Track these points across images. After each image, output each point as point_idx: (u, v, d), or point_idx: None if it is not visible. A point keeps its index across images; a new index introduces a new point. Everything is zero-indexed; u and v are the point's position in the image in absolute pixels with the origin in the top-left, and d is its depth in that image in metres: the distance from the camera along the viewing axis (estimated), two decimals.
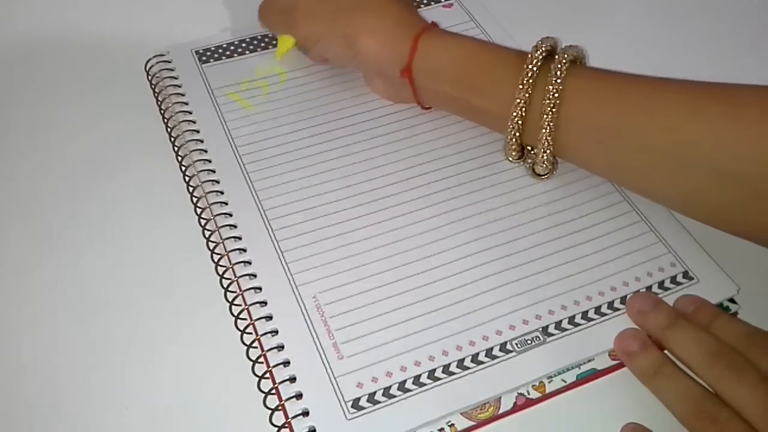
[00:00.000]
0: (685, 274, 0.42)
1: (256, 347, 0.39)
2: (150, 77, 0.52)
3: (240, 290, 0.41)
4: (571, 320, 0.40)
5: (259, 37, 0.54)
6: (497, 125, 0.45)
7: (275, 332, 0.39)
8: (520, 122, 0.42)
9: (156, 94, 0.51)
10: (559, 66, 0.41)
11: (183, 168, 0.47)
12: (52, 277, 0.43)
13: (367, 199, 0.45)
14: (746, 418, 0.34)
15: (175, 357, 0.40)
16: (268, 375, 0.38)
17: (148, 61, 0.53)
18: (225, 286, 0.41)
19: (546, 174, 0.45)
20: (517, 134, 0.43)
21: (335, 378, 0.38)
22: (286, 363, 0.38)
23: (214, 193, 0.45)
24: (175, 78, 0.51)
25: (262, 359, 0.39)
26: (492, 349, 0.39)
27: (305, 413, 0.37)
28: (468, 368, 0.38)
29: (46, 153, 0.49)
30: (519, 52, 0.44)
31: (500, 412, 0.38)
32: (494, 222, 0.44)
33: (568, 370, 0.39)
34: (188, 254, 0.43)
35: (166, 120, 0.50)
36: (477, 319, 0.40)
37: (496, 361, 0.39)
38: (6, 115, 0.51)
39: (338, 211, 0.44)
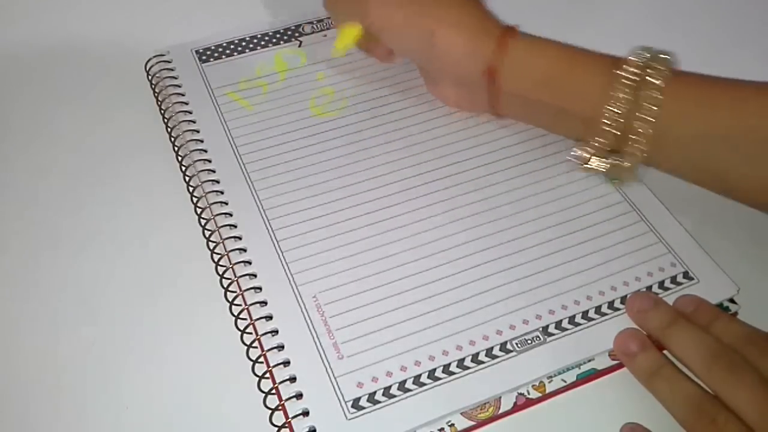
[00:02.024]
0: (685, 274, 0.42)
1: (256, 347, 0.39)
2: (150, 77, 0.52)
3: (240, 290, 0.41)
4: (572, 320, 0.40)
5: (258, 36, 0.54)
6: (585, 133, 0.43)
7: (275, 332, 0.39)
8: (614, 131, 0.41)
9: (156, 94, 0.51)
10: (659, 75, 0.40)
11: (183, 168, 0.47)
12: (52, 277, 0.43)
13: (367, 198, 0.45)
14: (744, 419, 0.34)
15: (175, 357, 0.40)
16: (268, 375, 0.38)
17: (148, 61, 0.53)
18: (225, 286, 0.41)
19: (627, 181, 0.44)
20: (606, 138, 0.41)
21: (335, 378, 0.38)
22: (286, 363, 0.38)
23: (214, 193, 0.45)
24: (175, 78, 0.51)
25: (262, 359, 0.39)
26: (492, 348, 0.39)
27: (305, 413, 0.37)
28: (468, 368, 0.38)
29: (46, 153, 0.49)
30: (613, 58, 0.42)
31: (500, 412, 0.38)
32: (494, 221, 0.44)
33: (568, 370, 0.39)
34: (188, 254, 0.43)
35: (166, 120, 0.50)
36: (477, 318, 0.40)
37: (496, 360, 0.39)
38: (6, 115, 0.51)
39: (338, 211, 0.44)
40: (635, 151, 0.41)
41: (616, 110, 0.40)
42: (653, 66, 0.40)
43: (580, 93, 0.42)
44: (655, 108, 0.40)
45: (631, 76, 0.40)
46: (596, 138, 0.42)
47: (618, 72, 0.41)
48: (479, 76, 0.44)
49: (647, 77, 0.40)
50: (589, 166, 0.44)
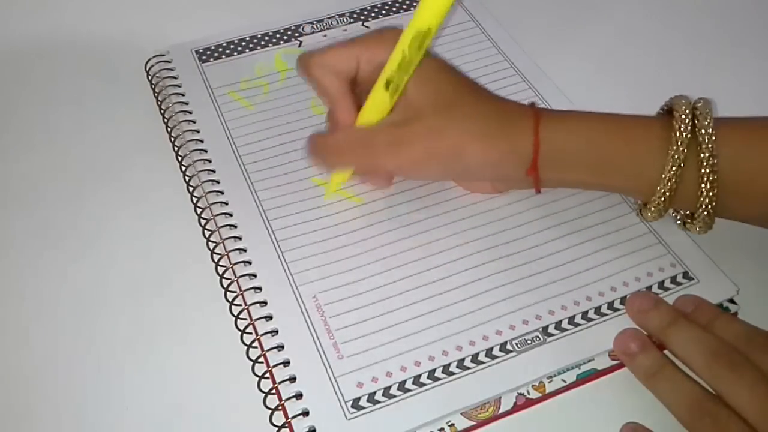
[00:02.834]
0: (685, 275, 0.42)
1: (256, 347, 0.39)
2: (150, 77, 0.52)
3: (240, 290, 0.41)
4: (571, 320, 0.40)
5: (258, 36, 0.54)
6: (636, 196, 0.42)
7: (275, 332, 0.39)
8: (668, 193, 0.39)
9: (156, 94, 0.51)
10: (708, 133, 0.38)
11: (183, 168, 0.47)
12: (52, 277, 0.43)
13: (367, 199, 0.45)
14: (746, 418, 0.34)
15: (175, 357, 0.40)
16: (268, 375, 0.38)
17: (148, 61, 0.53)
18: (225, 286, 0.41)
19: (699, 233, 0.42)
20: (665, 204, 0.40)
21: (335, 378, 0.38)
22: (286, 363, 0.38)
23: (214, 193, 0.45)
24: (175, 78, 0.51)
25: (262, 359, 0.39)
26: (492, 349, 0.39)
27: (305, 413, 0.37)
28: (468, 368, 0.38)
29: (46, 153, 0.49)
30: (649, 120, 0.40)
31: (500, 412, 0.38)
32: (494, 222, 0.44)
33: (568, 370, 0.39)
34: (188, 254, 0.43)
35: (166, 120, 0.50)
36: (477, 319, 0.40)
37: (496, 361, 0.39)
38: (5, 115, 0.51)
39: (338, 212, 0.44)
40: (702, 208, 0.39)
41: (671, 178, 0.39)
42: (699, 117, 0.39)
43: (627, 169, 0.40)
44: (714, 160, 0.38)
45: (682, 136, 0.38)
46: (653, 202, 0.40)
47: (670, 135, 0.39)
48: (523, 175, 0.41)
49: (699, 131, 0.38)
50: (647, 218, 0.42)
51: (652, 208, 0.40)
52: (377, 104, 0.41)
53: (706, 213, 0.39)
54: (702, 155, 0.38)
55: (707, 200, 0.39)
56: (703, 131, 0.38)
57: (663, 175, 0.39)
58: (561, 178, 0.42)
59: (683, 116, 0.39)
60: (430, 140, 0.40)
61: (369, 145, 0.41)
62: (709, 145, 0.38)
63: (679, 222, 0.43)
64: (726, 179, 0.38)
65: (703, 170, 0.38)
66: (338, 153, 0.43)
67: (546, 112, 0.42)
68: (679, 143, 0.38)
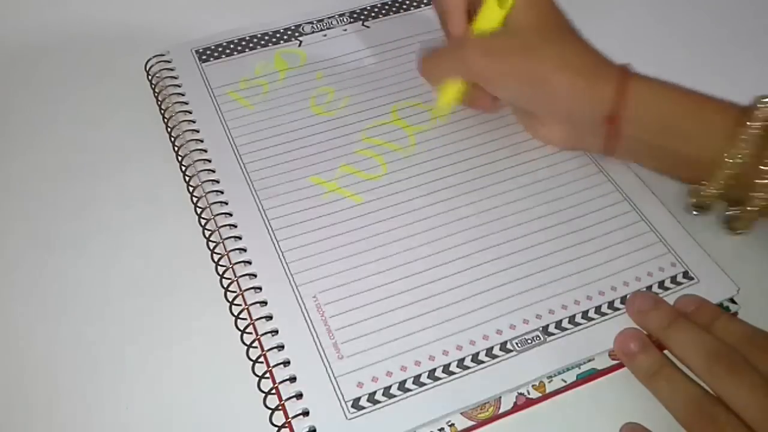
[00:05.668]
0: (685, 274, 0.42)
1: (256, 347, 0.39)
2: (150, 77, 0.52)
3: (240, 290, 0.41)
4: (572, 320, 0.40)
5: (258, 36, 0.54)
6: (698, 171, 0.42)
7: (275, 332, 0.39)
8: (731, 180, 0.40)
9: (156, 94, 0.51)
10: None
11: (183, 168, 0.47)
12: (51, 277, 0.43)
13: (367, 198, 0.45)
14: (745, 419, 0.34)
15: (175, 357, 0.40)
16: (268, 375, 0.38)
17: (148, 61, 0.53)
18: (225, 286, 0.41)
19: (744, 231, 0.43)
20: (723, 188, 0.41)
21: (335, 378, 0.38)
22: (286, 363, 0.38)
23: (214, 193, 0.45)
24: (175, 78, 0.51)
25: (262, 359, 0.39)
26: (492, 348, 0.39)
27: (305, 413, 0.37)
28: (468, 368, 0.38)
29: (45, 153, 0.49)
30: (731, 104, 0.41)
31: (500, 412, 0.38)
32: (494, 221, 0.44)
33: (568, 370, 0.39)
34: (188, 254, 0.43)
35: (166, 120, 0.50)
36: (477, 318, 0.40)
37: (496, 360, 0.39)
38: (5, 115, 0.51)
39: (338, 211, 0.44)
40: (755, 202, 0.40)
41: (737, 160, 0.39)
42: None
43: (704, 140, 0.41)
44: None
45: (757, 126, 0.39)
46: (713, 186, 0.41)
47: (745, 122, 0.39)
48: (599, 122, 0.42)
49: None
50: (696, 210, 0.43)
51: (711, 192, 0.41)
52: (487, 15, 0.43)
53: (758, 208, 0.40)
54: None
55: (762, 195, 0.40)
56: None
57: (730, 154, 0.39)
58: (638, 137, 0.42)
59: (764, 109, 0.39)
60: (522, 57, 0.42)
61: (463, 49, 0.43)
62: None
63: (725, 224, 0.43)
64: None
65: (764, 163, 0.39)
66: (429, 58, 0.46)
67: (634, 72, 0.42)
68: (753, 127, 0.39)
